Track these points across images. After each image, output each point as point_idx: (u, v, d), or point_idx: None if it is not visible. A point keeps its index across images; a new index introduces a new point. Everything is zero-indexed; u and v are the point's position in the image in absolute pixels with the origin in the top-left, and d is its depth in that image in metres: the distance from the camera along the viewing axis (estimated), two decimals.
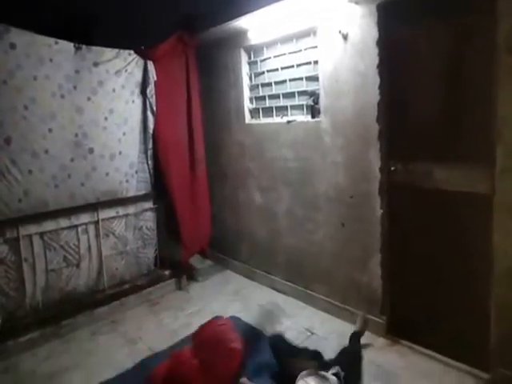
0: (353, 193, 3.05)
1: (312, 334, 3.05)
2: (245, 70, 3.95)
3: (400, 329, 2.94)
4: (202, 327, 2.12)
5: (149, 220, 4.05)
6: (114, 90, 3.65)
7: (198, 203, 4.19)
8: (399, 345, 2.88)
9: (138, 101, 3.82)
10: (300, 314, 3.28)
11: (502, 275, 2.35)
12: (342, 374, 2.23)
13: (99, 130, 3.60)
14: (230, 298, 3.79)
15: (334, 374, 2.21)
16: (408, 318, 2.91)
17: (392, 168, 2.81)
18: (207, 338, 2.08)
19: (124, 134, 3.76)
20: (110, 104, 3.64)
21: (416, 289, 2.84)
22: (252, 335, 2.74)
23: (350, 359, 2.45)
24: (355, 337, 2.70)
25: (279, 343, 2.45)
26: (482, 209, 2.41)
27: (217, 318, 2.16)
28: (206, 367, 1.96)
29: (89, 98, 3.51)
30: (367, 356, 2.63)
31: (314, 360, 2.40)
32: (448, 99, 2.55)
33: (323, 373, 2.19)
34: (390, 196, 2.87)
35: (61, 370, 2.85)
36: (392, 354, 2.79)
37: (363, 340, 2.79)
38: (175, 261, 4.14)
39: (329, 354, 2.48)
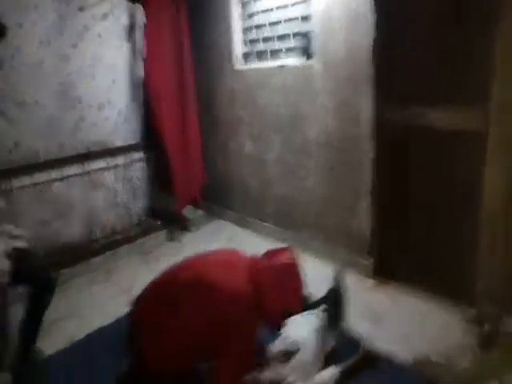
0: (344, 136, 3.03)
1: None
2: (237, 10, 3.79)
3: (388, 270, 3.00)
4: (275, 253, 1.86)
5: (139, 170, 4.03)
6: (100, 36, 3.54)
7: (189, 152, 4.15)
8: (386, 285, 2.94)
9: (127, 47, 3.72)
10: None
11: (490, 215, 2.38)
12: (326, 312, 2.29)
13: (87, 78, 3.52)
14: (223, 246, 3.82)
15: (317, 314, 2.28)
16: (396, 258, 2.97)
17: (384, 109, 2.78)
18: (279, 267, 1.80)
19: (113, 81, 3.68)
20: (96, 50, 3.55)
21: (405, 230, 2.89)
22: None
23: (333, 298, 2.50)
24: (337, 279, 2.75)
25: None
26: (475, 147, 2.40)
27: (288, 249, 1.92)
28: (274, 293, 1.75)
29: (75, 45, 3.41)
30: (355, 296, 2.66)
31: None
32: (444, 37, 2.49)
33: (306, 313, 2.26)
34: (381, 138, 2.86)
35: (54, 319, 2.84)
36: (379, 294, 2.86)
37: (351, 282, 2.84)
38: (167, 211, 4.15)
39: (318, 296, 2.54)
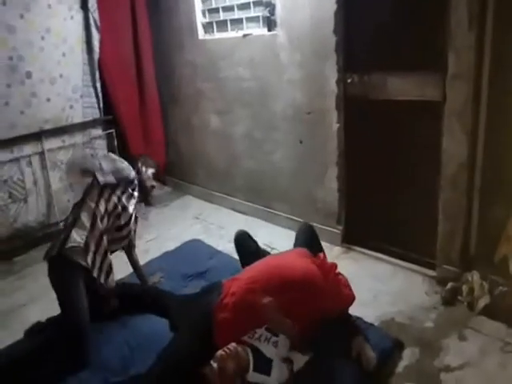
0: (310, 109, 3.05)
1: (272, 248, 3.14)
2: None
3: (355, 237, 3.12)
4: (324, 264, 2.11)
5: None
6: (49, 6, 3.33)
7: (149, 129, 4.05)
8: (354, 252, 3.07)
9: (79, 17, 3.51)
10: (260, 232, 3.33)
11: (449, 179, 2.50)
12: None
13: (36, 52, 3.32)
14: (190, 222, 3.80)
15: None
16: (362, 226, 3.08)
17: (348, 80, 2.81)
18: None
19: (63, 54, 3.48)
20: (45, 22, 3.33)
21: (370, 198, 2.98)
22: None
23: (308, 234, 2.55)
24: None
25: (244, 239, 2.50)
26: (434, 116, 2.49)
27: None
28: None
29: (21, 16, 3.19)
30: None
31: None
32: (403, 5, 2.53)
33: None
34: (346, 109, 2.90)
35: (17, 306, 2.77)
36: (347, 260, 2.96)
37: None
38: None
39: None
